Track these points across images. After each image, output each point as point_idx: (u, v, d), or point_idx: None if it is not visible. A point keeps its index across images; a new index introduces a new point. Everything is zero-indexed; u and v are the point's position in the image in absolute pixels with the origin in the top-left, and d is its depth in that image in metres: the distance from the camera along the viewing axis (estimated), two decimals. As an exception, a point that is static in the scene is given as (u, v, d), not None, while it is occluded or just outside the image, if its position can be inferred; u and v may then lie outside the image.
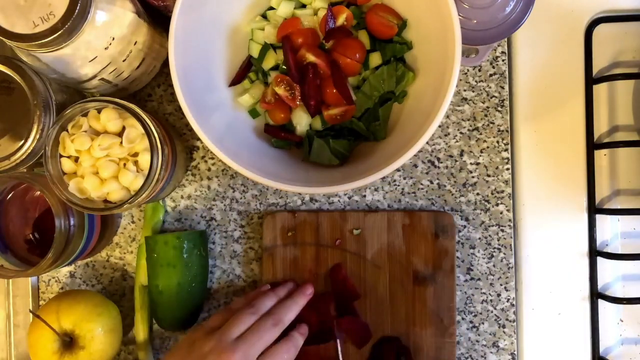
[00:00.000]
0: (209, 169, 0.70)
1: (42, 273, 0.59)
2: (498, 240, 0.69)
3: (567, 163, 0.69)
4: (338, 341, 0.65)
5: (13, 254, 0.63)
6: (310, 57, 0.61)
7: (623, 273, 0.69)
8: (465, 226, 0.69)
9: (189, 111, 0.56)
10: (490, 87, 0.69)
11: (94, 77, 0.59)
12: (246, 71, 0.66)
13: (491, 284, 0.68)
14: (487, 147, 0.69)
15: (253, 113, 0.65)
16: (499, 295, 0.68)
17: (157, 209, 0.69)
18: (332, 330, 0.65)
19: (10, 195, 0.63)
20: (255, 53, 0.65)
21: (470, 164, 0.69)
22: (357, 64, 0.62)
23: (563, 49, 0.70)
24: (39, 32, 0.51)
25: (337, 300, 0.66)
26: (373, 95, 0.63)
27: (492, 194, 0.69)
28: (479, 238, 0.69)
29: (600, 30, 0.69)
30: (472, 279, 0.68)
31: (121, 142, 0.57)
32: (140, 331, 0.68)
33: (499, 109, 0.69)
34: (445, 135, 0.69)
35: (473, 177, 0.69)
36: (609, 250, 0.69)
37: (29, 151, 0.57)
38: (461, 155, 0.69)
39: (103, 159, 0.57)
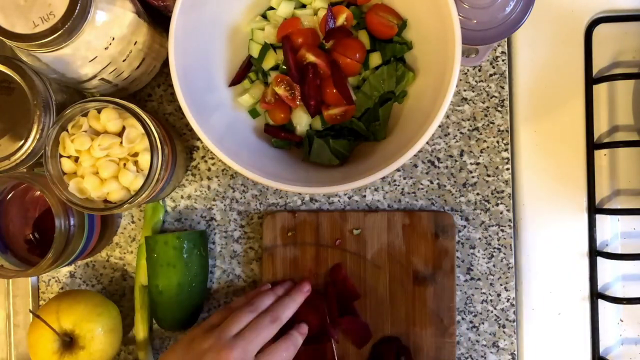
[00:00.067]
0: (209, 169, 0.70)
1: (42, 273, 0.59)
2: (498, 240, 0.69)
3: (567, 163, 0.69)
4: (333, 342, 0.65)
5: (13, 254, 0.63)
6: (310, 57, 0.61)
7: (623, 273, 0.69)
8: (465, 226, 0.69)
9: (189, 111, 0.56)
10: (490, 87, 0.69)
11: (94, 77, 0.59)
12: (246, 71, 0.66)
13: (491, 284, 0.68)
14: (487, 147, 0.69)
15: (253, 113, 0.65)
16: (499, 295, 0.68)
17: (157, 209, 0.69)
18: (329, 330, 0.65)
19: (10, 195, 0.63)
20: (255, 53, 0.65)
21: (470, 164, 0.69)
22: (357, 64, 0.62)
23: (563, 49, 0.70)
24: (39, 32, 0.51)
25: (337, 300, 0.66)
26: (373, 95, 0.63)
27: (492, 194, 0.69)
28: (479, 238, 0.69)
29: (600, 30, 0.69)
30: (472, 279, 0.68)
31: (121, 142, 0.57)
32: (140, 331, 0.68)
33: (499, 109, 0.69)
34: (445, 135, 0.69)
35: (473, 177, 0.69)
36: (609, 250, 0.69)
37: (29, 151, 0.57)
38: (461, 155, 0.69)
39: (103, 159, 0.57)
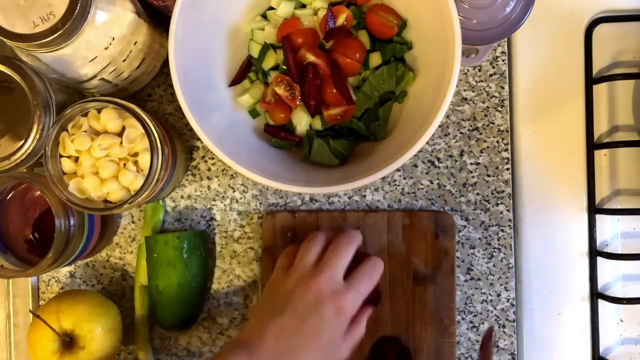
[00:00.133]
0: (209, 169, 0.70)
1: (42, 273, 0.59)
2: (498, 240, 0.69)
3: (567, 163, 0.69)
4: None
5: (13, 254, 0.63)
6: (310, 57, 0.61)
7: (623, 273, 0.69)
8: (465, 226, 0.69)
9: (189, 111, 0.56)
10: (490, 87, 0.69)
11: (94, 77, 0.59)
12: (246, 71, 0.66)
13: (491, 284, 0.68)
14: (487, 147, 0.69)
15: (253, 113, 0.65)
16: (499, 295, 0.68)
17: (157, 209, 0.69)
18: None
19: (10, 195, 0.63)
20: (255, 53, 0.65)
21: (470, 164, 0.69)
22: (357, 64, 0.62)
23: (563, 49, 0.70)
24: (39, 32, 0.51)
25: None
26: (373, 95, 0.63)
27: (492, 194, 0.69)
28: (479, 238, 0.69)
29: (600, 30, 0.69)
30: (472, 279, 0.68)
31: (121, 142, 0.57)
32: (140, 331, 0.68)
33: (499, 109, 0.69)
34: (445, 135, 0.69)
35: (473, 177, 0.69)
36: (609, 250, 0.69)
37: (29, 151, 0.57)
38: (461, 155, 0.69)
39: (103, 159, 0.57)
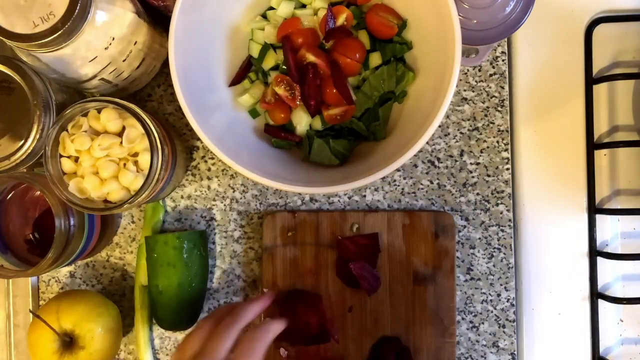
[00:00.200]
0: (209, 169, 0.70)
1: (42, 273, 0.59)
2: (498, 240, 0.69)
3: (567, 163, 0.69)
4: (336, 339, 0.65)
5: (13, 254, 0.63)
6: (310, 57, 0.61)
7: (623, 273, 0.69)
8: (465, 226, 0.69)
9: (189, 111, 0.56)
10: (490, 87, 0.69)
11: (94, 77, 0.59)
12: (246, 71, 0.66)
13: (491, 284, 0.68)
14: (487, 147, 0.69)
15: (253, 113, 0.65)
16: (499, 295, 0.68)
17: (157, 209, 0.69)
18: (329, 330, 0.65)
19: (10, 195, 0.63)
20: (255, 53, 0.65)
21: (470, 164, 0.69)
22: (357, 64, 0.62)
23: (563, 49, 0.70)
24: (39, 32, 0.51)
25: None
26: (373, 95, 0.63)
27: (492, 194, 0.69)
28: (479, 238, 0.69)
29: (600, 30, 0.69)
30: (472, 279, 0.68)
31: (121, 142, 0.57)
32: (140, 331, 0.68)
33: (499, 109, 0.69)
34: (445, 135, 0.69)
35: (473, 177, 0.69)
36: (609, 250, 0.69)
37: (29, 151, 0.57)
38: (461, 155, 0.69)
39: (103, 159, 0.57)
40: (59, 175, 0.57)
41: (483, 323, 0.68)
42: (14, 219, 0.63)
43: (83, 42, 0.54)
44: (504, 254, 0.68)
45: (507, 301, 0.68)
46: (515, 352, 0.68)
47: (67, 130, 0.57)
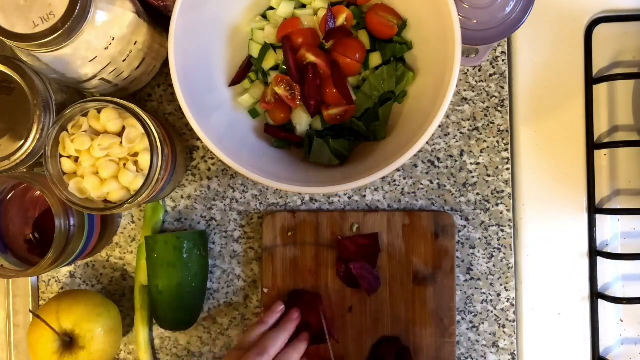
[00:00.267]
0: (209, 169, 0.70)
1: (42, 273, 0.59)
2: (498, 240, 0.69)
3: (567, 163, 0.69)
4: (329, 343, 0.65)
5: (13, 254, 0.63)
6: (310, 57, 0.61)
7: (623, 273, 0.69)
8: (465, 226, 0.69)
9: (189, 111, 0.56)
10: (490, 87, 0.69)
11: (94, 77, 0.59)
12: (246, 71, 0.66)
13: (491, 284, 0.68)
14: (487, 147, 0.69)
15: (253, 113, 0.65)
16: (499, 295, 0.68)
17: (157, 209, 0.69)
18: (326, 331, 0.65)
19: (10, 195, 0.63)
20: (255, 53, 0.65)
21: (470, 164, 0.69)
22: (357, 64, 0.62)
23: (563, 49, 0.70)
24: (39, 32, 0.51)
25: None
26: (373, 95, 0.63)
27: (492, 194, 0.69)
28: (479, 238, 0.69)
29: (600, 30, 0.69)
30: (472, 279, 0.68)
31: (121, 142, 0.57)
32: (140, 331, 0.68)
33: (499, 109, 0.69)
34: (445, 135, 0.69)
35: (473, 177, 0.69)
36: (609, 250, 0.69)
37: (29, 151, 0.57)
38: (461, 155, 0.69)
39: (103, 159, 0.57)
40: (59, 175, 0.57)
41: (483, 323, 0.68)
42: (14, 219, 0.63)
43: (83, 42, 0.54)
44: (504, 254, 0.68)
45: (507, 301, 0.68)
46: (515, 352, 0.68)
47: (67, 130, 0.57)
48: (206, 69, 0.62)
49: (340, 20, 0.62)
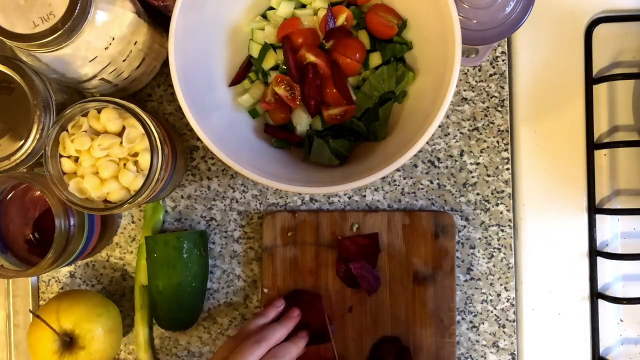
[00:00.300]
0: (209, 169, 0.70)
1: (42, 273, 0.59)
2: (498, 240, 0.69)
3: (567, 163, 0.69)
4: (333, 342, 0.65)
5: (13, 254, 0.63)
6: (310, 57, 0.61)
7: (623, 273, 0.69)
8: (465, 226, 0.69)
9: (189, 111, 0.56)
10: (490, 87, 0.69)
11: (94, 77, 0.59)
12: (246, 71, 0.66)
13: (491, 284, 0.68)
14: (487, 147, 0.69)
15: (253, 113, 0.65)
16: (499, 295, 0.68)
17: (157, 209, 0.69)
18: (328, 331, 0.65)
19: (10, 195, 0.63)
20: (255, 53, 0.65)
21: (470, 164, 0.69)
22: (357, 64, 0.62)
23: (563, 49, 0.70)
24: (39, 32, 0.51)
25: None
26: (373, 95, 0.63)
27: (492, 194, 0.69)
28: (479, 238, 0.69)
29: (600, 30, 0.69)
30: (472, 279, 0.68)
31: (121, 142, 0.57)
32: (140, 331, 0.68)
33: (499, 109, 0.69)
34: (445, 135, 0.69)
35: (473, 177, 0.69)
36: (609, 250, 0.69)
37: (29, 151, 0.57)
38: (461, 155, 0.69)
39: (103, 159, 0.57)
40: (59, 175, 0.57)
41: (483, 323, 0.68)
42: (14, 219, 0.63)
43: (83, 42, 0.54)
44: (504, 254, 0.68)
45: (507, 301, 0.68)
46: (515, 352, 0.68)
47: (67, 130, 0.57)
48: (206, 69, 0.62)
49: (340, 20, 0.62)
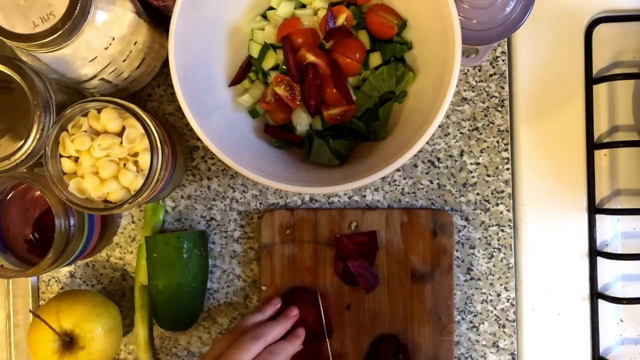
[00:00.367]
0: (209, 169, 0.70)
1: (42, 273, 0.59)
2: (498, 240, 0.69)
3: (567, 163, 0.69)
4: (327, 341, 0.65)
5: (13, 254, 0.63)
6: (310, 57, 0.61)
7: (623, 273, 0.69)
8: (465, 226, 0.69)
9: (189, 111, 0.56)
10: (490, 87, 0.69)
11: (94, 77, 0.59)
12: (246, 71, 0.66)
13: (491, 284, 0.68)
14: (487, 147, 0.69)
15: (253, 113, 0.65)
16: (499, 295, 0.68)
17: (157, 209, 0.69)
18: (324, 329, 0.65)
19: (10, 195, 0.63)
20: (255, 53, 0.65)
21: (470, 164, 0.69)
22: (357, 64, 0.62)
23: (563, 49, 0.70)
24: (39, 32, 0.51)
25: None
26: (373, 95, 0.63)
27: (492, 194, 0.69)
28: (479, 238, 0.69)
29: (600, 30, 0.69)
30: (472, 278, 0.69)
31: (121, 142, 0.57)
32: (140, 331, 0.68)
33: (499, 109, 0.69)
34: (445, 135, 0.69)
35: (473, 177, 0.69)
36: (609, 250, 0.69)
37: (29, 151, 0.57)
38: (461, 155, 0.69)
39: (103, 159, 0.57)
40: (59, 175, 0.57)
41: (483, 323, 0.68)
42: (14, 219, 0.63)
43: (83, 42, 0.54)
44: (504, 254, 0.68)
45: (507, 301, 0.68)
46: (515, 352, 0.68)
47: (67, 130, 0.57)
48: (206, 69, 0.62)
49: (340, 20, 0.62)
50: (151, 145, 0.56)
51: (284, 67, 0.64)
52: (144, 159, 0.57)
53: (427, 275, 0.66)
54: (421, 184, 0.69)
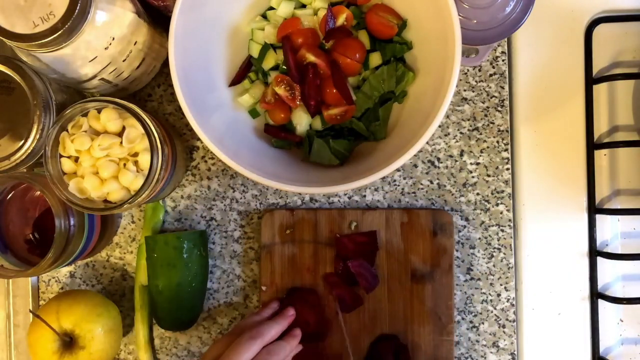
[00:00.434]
0: (209, 169, 0.70)
1: (42, 273, 0.59)
2: (498, 240, 0.69)
3: (567, 163, 0.69)
4: (340, 315, 0.65)
5: (13, 254, 0.63)
6: (310, 57, 0.61)
7: (623, 273, 0.69)
8: (465, 226, 0.69)
9: (189, 111, 0.56)
10: (490, 87, 0.69)
11: (94, 77, 0.59)
12: (246, 71, 0.66)
13: (491, 284, 0.68)
14: (487, 147, 0.69)
15: (253, 113, 0.65)
16: (499, 295, 0.68)
17: (157, 209, 0.69)
18: (328, 325, 0.65)
19: (10, 195, 0.63)
20: (255, 53, 0.65)
21: (470, 164, 0.69)
22: (357, 64, 0.62)
23: (563, 49, 0.70)
24: (39, 32, 0.51)
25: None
26: (373, 95, 0.63)
27: (492, 194, 0.69)
28: (479, 238, 0.69)
29: (600, 30, 0.69)
30: (472, 279, 0.69)
31: (121, 142, 0.57)
32: (140, 331, 0.68)
33: (499, 109, 0.69)
34: (445, 135, 0.69)
35: (473, 177, 0.69)
36: (609, 250, 0.69)
37: (29, 151, 0.57)
38: (461, 155, 0.69)
39: (103, 159, 0.57)
40: (59, 175, 0.57)
41: (483, 323, 0.68)
42: (14, 219, 0.63)
43: (83, 42, 0.54)
44: (504, 254, 0.68)
45: (507, 301, 0.68)
46: (515, 352, 0.68)
47: (67, 130, 0.57)
48: (206, 69, 0.62)
49: (340, 20, 0.62)
50: (151, 145, 0.56)
51: (284, 67, 0.64)
52: (144, 159, 0.58)
53: (427, 275, 0.66)
54: (421, 184, 0.69)
